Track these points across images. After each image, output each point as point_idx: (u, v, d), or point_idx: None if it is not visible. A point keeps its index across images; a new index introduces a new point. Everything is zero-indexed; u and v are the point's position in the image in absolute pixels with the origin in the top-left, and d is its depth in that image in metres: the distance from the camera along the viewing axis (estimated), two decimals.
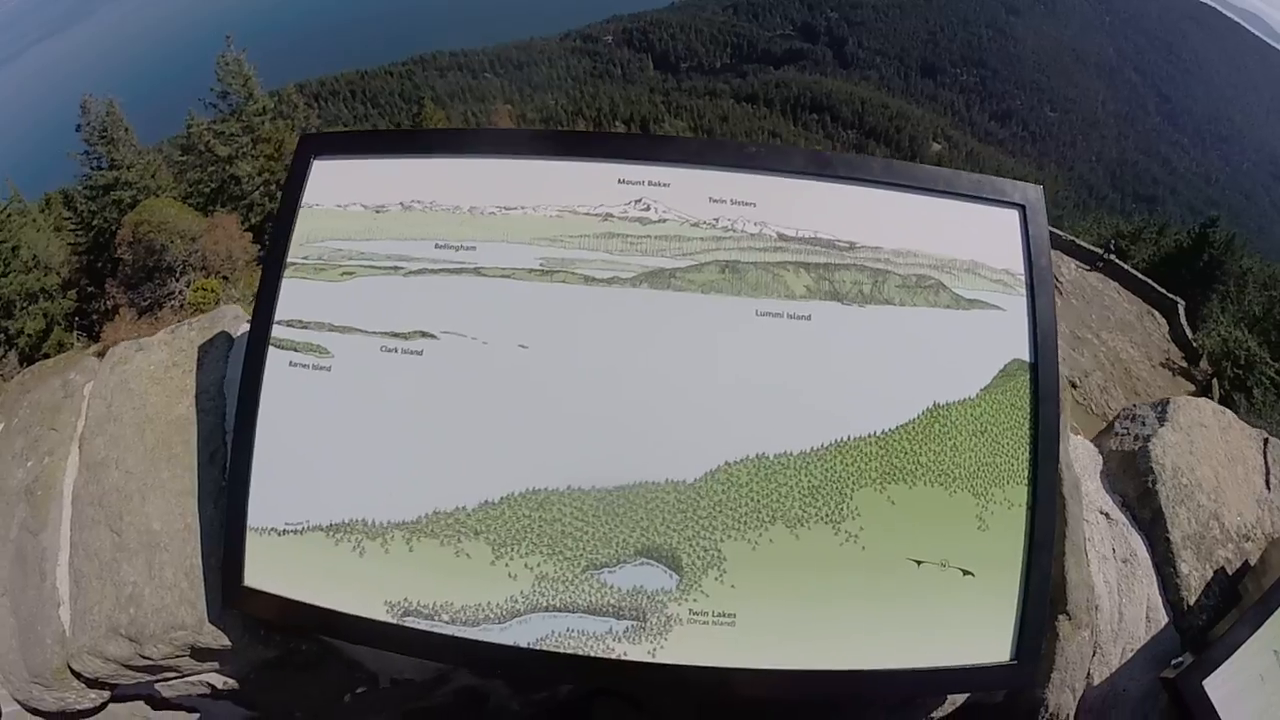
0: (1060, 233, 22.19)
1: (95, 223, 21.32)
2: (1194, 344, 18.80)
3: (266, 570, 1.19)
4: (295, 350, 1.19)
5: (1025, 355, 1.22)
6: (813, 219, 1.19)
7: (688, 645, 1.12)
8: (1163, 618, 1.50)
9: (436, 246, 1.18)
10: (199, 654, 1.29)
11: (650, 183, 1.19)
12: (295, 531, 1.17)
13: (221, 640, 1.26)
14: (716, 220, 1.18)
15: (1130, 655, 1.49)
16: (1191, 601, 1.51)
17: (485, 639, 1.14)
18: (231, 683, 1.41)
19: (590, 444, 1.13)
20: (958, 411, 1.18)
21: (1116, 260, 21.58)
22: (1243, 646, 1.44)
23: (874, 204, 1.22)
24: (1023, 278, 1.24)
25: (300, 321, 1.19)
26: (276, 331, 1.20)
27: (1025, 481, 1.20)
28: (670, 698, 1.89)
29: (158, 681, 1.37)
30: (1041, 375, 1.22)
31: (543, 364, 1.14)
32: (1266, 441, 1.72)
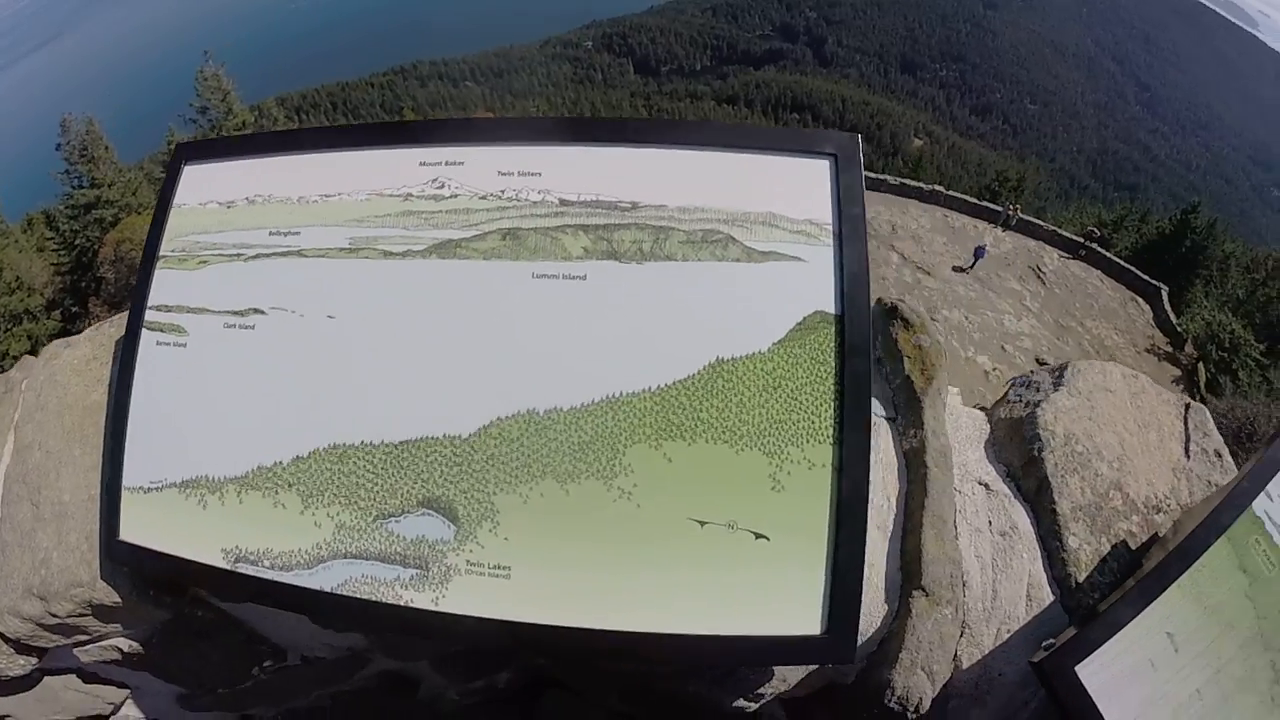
0: (1042, 223, 22.17)
1: (78, 242, 20.63)
2: (1178, 329, 18.69)
3: (136, 525, 1.32)
4: (161, 331, 1.31)
5: (830, 307, 1.15)
6: (596, 183, 1.19)
7: (466, 595, 1.13)
8: (1047, 596, 1.37)
9: (270, 234, 1.27)
10: (99, 612, 1.43)
11: (448, 162, 1.23)
12: (157, 489, 1.29)
13: (113, 596, 1.40)
14: (503, 192, 1.20)
15: (1007, 636, 1.34)
16: (1081, 578, 1.36)
17: (297, 583, 1.20)
18: (137, 646, 1.55)
19: (380, 401, 1.18)
20: (745, 366, 1.14)
21: (1099, 248, 21.19)
22: (1127, 628, 1.27)
23: (667, 165, 1.21)
24: (830, 228, 1.17)
25: (165, 306, 1.32)
26: (148, 315, 1.34)
27: (830, 441, 1.13)
28: (595, 680, 1.89)
29: (74, 646, 1.52)
30: (849, 328, 1.15)
31: (345, 331, 1.21)
32: (1188, 407, 1.52)
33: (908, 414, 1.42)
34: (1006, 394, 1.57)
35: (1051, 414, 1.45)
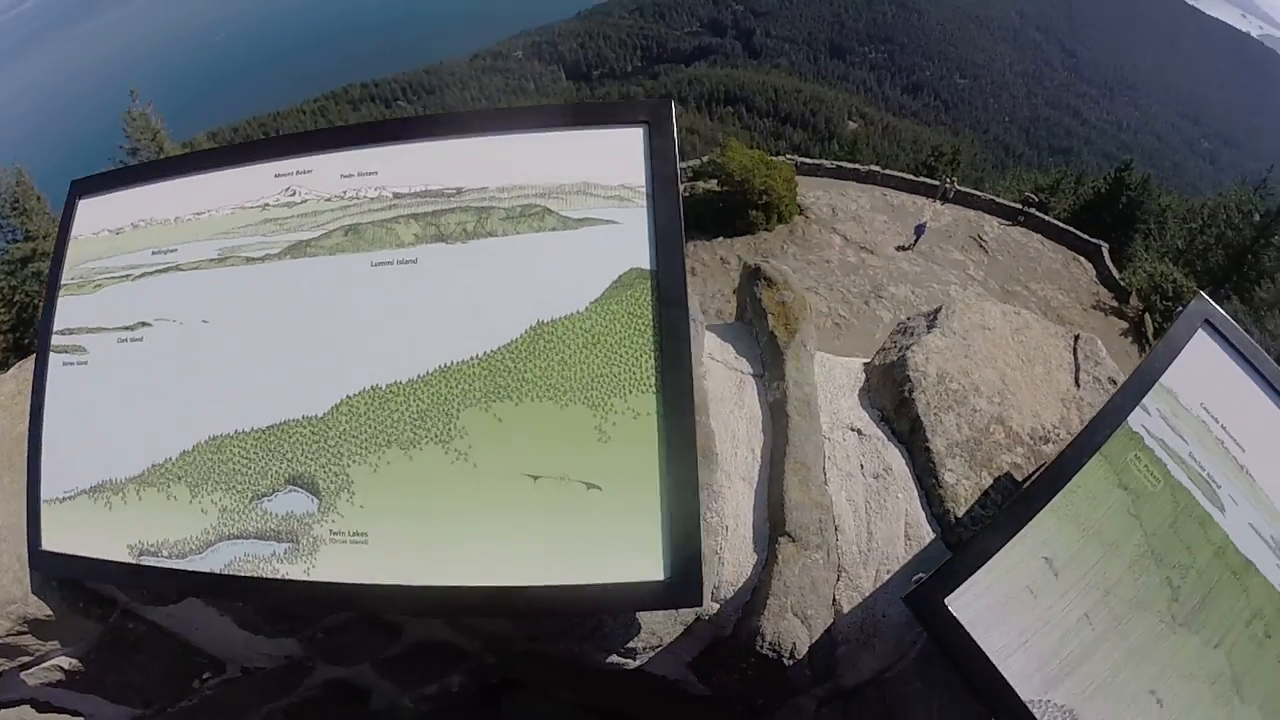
0: (980, 193, 23.13)
1: (17, 298, 19.64)
2: (1121, 283, 19.69)
3: (55, 534, 1.47)
4: (65, 353, 1.48)
5: (645, 264, 1.22)
6: (426, 175, 1.30)
7: (332, 563, 1.23)
8: (927, 534, 1.38)
9: (152, 253, 1.43)
10: (35, 628, 1.57)
11: (298, 172, 1.36)
12: (70, 498, 1.44)
13: (44, 609, 1.54)
14: (345, 192, 1.33)
15: (887, 577, 1.36)
16: (960, 513, 1.37)
17: (191, 568, 1.32)
18: (77, 664, 1.68)
19: (248, 392, 1.30)
20: (565, 326, 1.21)
21: (1037, 213, 22.24)
22: (999, 556, 1.26)
23: (490, 151, 1.31)
24: (644, 190, 1.25)
25: (68, 329, 1.49)
26: (54, 340, 1.50)
27: (652, 390, 1.19)
28: (540, 673, 1.95)
29: (20, 669, 1.66)
30: (663, 281, 1.21)
31: (217, 333, 1.34)
32: (1078, 338, 1.52)
33: (772, 368, 1.46)
34: (885, 343, 1.59)
35: (923, 355, 1.47)
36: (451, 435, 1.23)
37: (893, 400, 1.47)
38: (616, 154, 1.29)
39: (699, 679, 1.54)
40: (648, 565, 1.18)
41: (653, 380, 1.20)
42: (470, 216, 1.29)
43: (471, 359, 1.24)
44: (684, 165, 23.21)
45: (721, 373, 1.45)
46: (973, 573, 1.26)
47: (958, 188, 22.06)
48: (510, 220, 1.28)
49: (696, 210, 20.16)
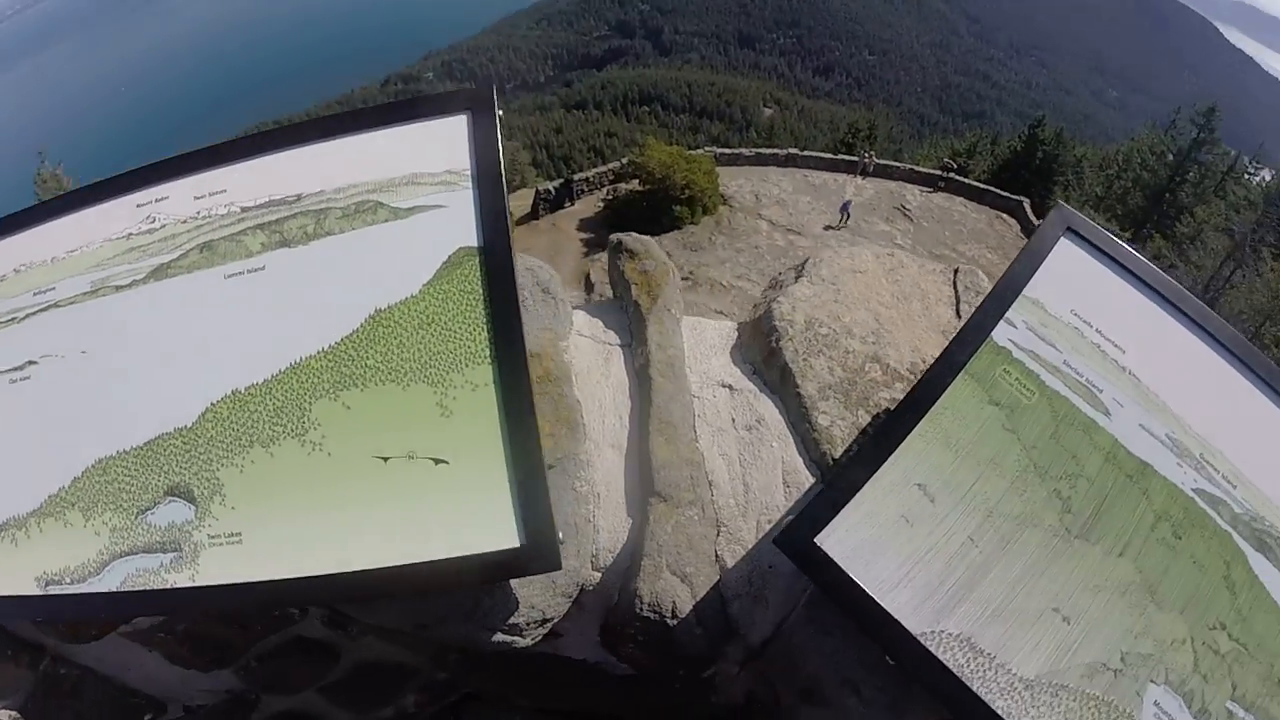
0: (899, 164, 23.95)
1: None
2: None
3: None
4: None
5: (472, 242, 1.27)
6: (269, 186, 1.38)
7: (213, 567, 1.28)
8: (806, 479, 1.37)
9: (33, 294, 1.53)
10: None
11: (156, 200, 1.45)
12: None
13: None
14: (198, 213, 1.41)
15: (769, 527, 1.35)
16: (837, 454, 1.36)
17: (91, 590, 1.37)
18: (16, 716, 1.73)
19: (126, 413, 1.38)
20: (400, 311, 1.26)
21: (957, 178, 22.80)
22: (867, 488, 1.25)
23: (326, 156, 1.38)
24: (469, 173, 1.30)
25: None
26: None
27: (488, 361, 1.23)
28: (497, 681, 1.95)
29: None
30: (490, 257, 1.26)
31: (95, 362, 1.43)
32: (957, 272, 1.52)
33: (637, 335, 1.48)
34: (757, 300, 1.60)
35: (789, 304, 1.48)
36: (306, 428, 1.27)
37: (762, 352, 1.47)
38: (442, 142, 1.35)
39: (616, 657, 1.53)
40: (502, 533, 1.20)
41: (487, 351, 1.24)
42: (310, 219, 1.35)
43: (318, 352, 1.29)
44: (604, 169, 24.15)
45: (589, 346, 1.48)
46: (841, 508, 1.24)
47: (876, 161, 22.76)
48: (346, 218, 1.34)
49: (621, 212, 20.64)
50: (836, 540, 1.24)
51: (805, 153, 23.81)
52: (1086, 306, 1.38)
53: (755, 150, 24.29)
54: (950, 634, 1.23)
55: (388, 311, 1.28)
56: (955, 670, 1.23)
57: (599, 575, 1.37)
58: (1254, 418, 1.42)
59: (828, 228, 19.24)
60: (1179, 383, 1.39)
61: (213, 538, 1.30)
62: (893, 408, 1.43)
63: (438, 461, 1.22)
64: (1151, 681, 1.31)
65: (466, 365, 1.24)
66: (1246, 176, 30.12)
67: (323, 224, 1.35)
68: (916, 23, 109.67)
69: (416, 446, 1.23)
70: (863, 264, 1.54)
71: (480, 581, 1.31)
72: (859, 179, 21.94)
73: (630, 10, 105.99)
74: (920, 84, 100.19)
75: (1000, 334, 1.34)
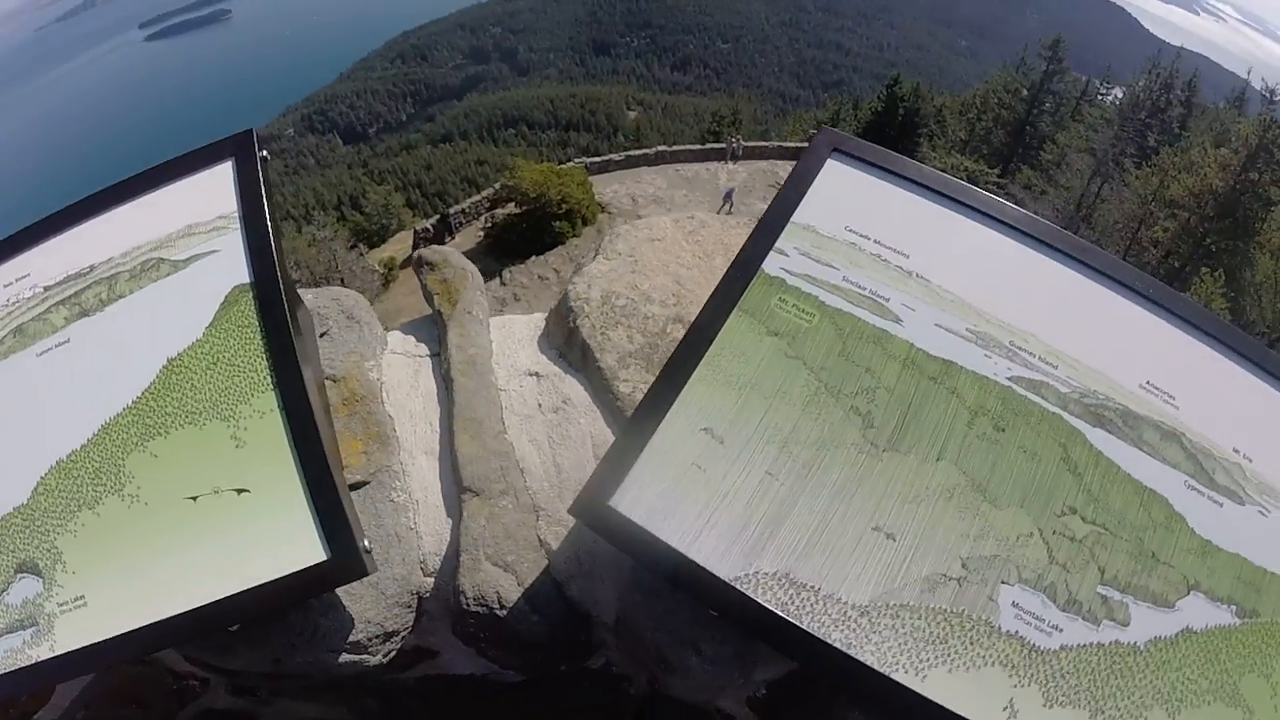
0: (767, 144, 25.36)
1: None
2: None
3: None
4: None
5: (245, 279, 1.35)
6: (67, 262, 1.49)
7: (67, 634, 1.34)
8: None
9: None
10: None
11: None
12: None
13: None
14: (7, 301, 1.52)
15: None
16: None
17: None
18: None
19: None
20: (189, 355, 1.35)
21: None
22: (652, 443, 1.26)
23: (112, 225, 1.49)
24: (236, 214, 1.39)
25: None
26: None
27: (270, 387, 1.29)
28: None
29: None
30: (260, 289, 1.34)
31: None
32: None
33: (442, 341, 1.53)
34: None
35: (584, 284, 1.51)
36: (123, 483, 1.34)
37: (564, 335, 1.50)
38: (212, 191, 1.45)
39: (489, 660, 1.55)
40: (309, 549, 1.24)
41: (269, 378, 1.30)
42: (103, 287, 1.45)
43: (124, 409, 1.37)
44: (479, 197, 24.65)
45: (401, 362, 1.53)
46: (628, 468, 1.25)
47: (745, 144, 23.81)
48: (134, 279, 1.43)
49: (502, 237, 21.11)
50: (632, 500, 1.24)
51: (675, 148, 24.84)
52: (861, 221, 1.38)
53: (625, 154, 25.47)
54: (765, 573, 1.22)
55: (178, 359, 1.36)
56: (780, 610, 1.21)
57: (431, 580, 1.39)
58: (1064, 293, 1.38)
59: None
60: (973, 275, 1.37)
61: (61, 605, 1.38)
62: None
63: (240, 491, 1.28)
64: (1003, 583, 1.26)
65: (252, 395, 1.31)
66: (1100, 97, 33.39)
67: (114, 289, 1.44)
68: (765, 5, 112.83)
69: (219, 481, 1.29)
70: (660, 231, 1.57)
71: (301, 598, 1.35)
72: (730, 164, 22.65)
73: (482, 36, 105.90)
74: (776, 64, 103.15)
75: (771, 264, 1.34)
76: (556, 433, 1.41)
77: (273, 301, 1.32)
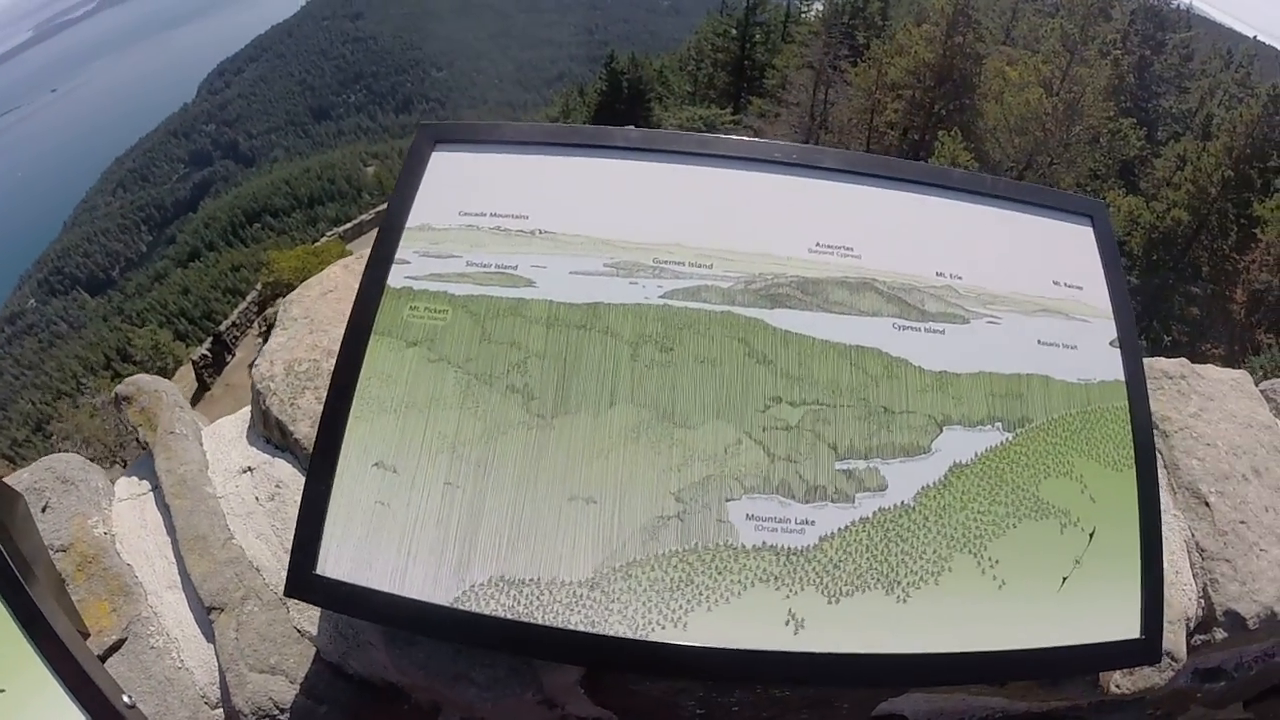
0: None
1: None
2: None
3: None
4: None
5: None
6: None
7: None
8: None
9: None
10: None
11: None
12: None
13: None
14: None
15: None
16: None
17: None
18: None
19: None
20: None
21: None
22: (334, 496, 1.26)
23: None
24: None
25: None
26: None
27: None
28: None
29: None
30: None
31: None
32: None
33: (152, 470, 1.54)
34: None
35: (266, 363, 1.51)
36: None
37: (262, 420, 1.51)
38: None
39: None
40: None
41: None
42: None
43: None
44: (245, 304, 24.64)
45: (128, 508, 1.54)
46: (320, 531, 1.23)
47: None
48: None
49: None
50: (334, 560, 1.22)
51: None
52: (475, 201, 1.36)
53: (374, 211, 26.02)
54: (480, 584, 1.18)
55: None
56: (510, 615, 1.18)
57: (220, 711, 1.39)
58: (703, 194, 1.35)
59: None
60: (599, 211, 1.33)
61: None
62: None
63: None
64: (728, 501, 1.21)
65: None
66: (803, 15, 37.34)
67: None
68: (470, 23, 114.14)
69: None
70: (332, 282, 1.57)
71: None
72: None
73: (197, 139, 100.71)
74: (496, 76, 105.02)
75: (396, 277, 1.32)
76: (278, 519, 1.41)
77: None
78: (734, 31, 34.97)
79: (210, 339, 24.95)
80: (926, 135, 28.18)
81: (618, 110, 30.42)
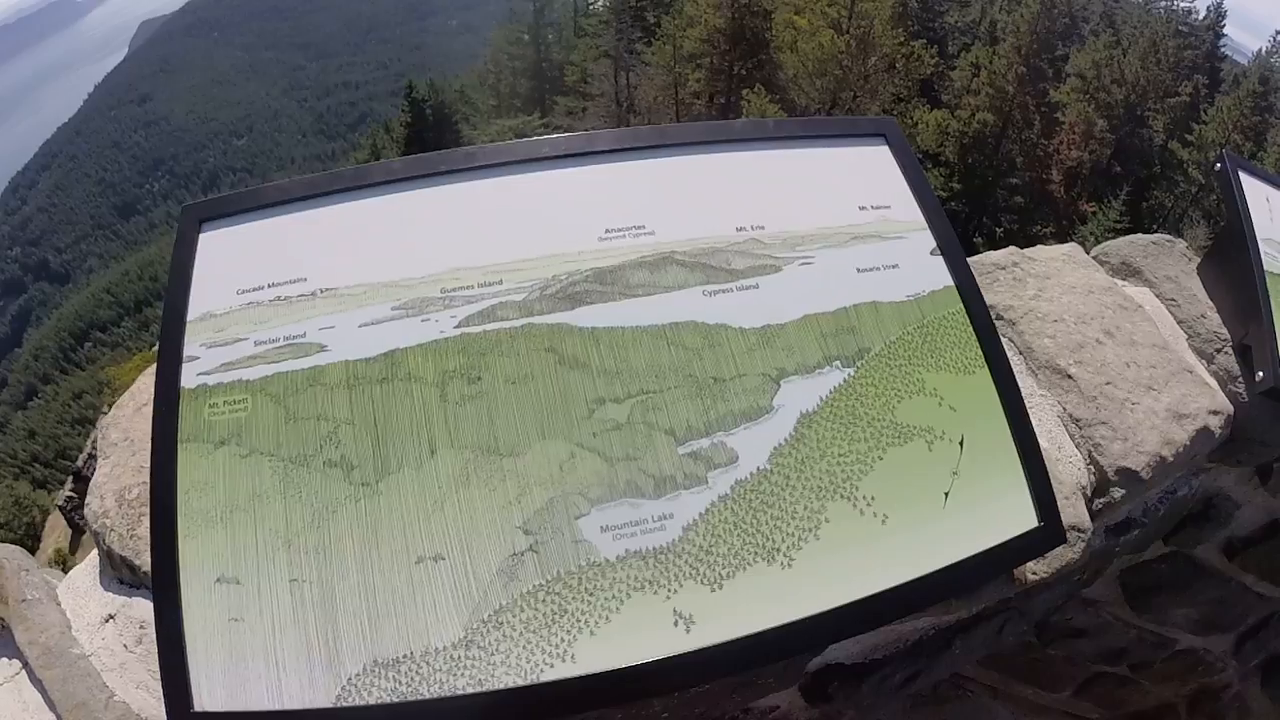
0: None
1: None
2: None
3: None
4: None
5: None
6: None
7: None
8: None
9: None
10: None
11: None
12: None
13: None
14: None
15: None
16: None
17: None
18: None
19: None
20: None
21: None
22: (185, 626, 1.21)
23: None
24: None
25: None
26: None
27: None
28: None
29: None
30: None
31: None
32: None
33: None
34: None
35: (96, 500, 1.44)
36: None
37: (109, 561, 1.45)
38: None
39: None
40: None
41: None
42: None
43: None
44: (96, 433, 23.52)
45: (3, 697, 1.48)
46: (184, 665, 1.19)
47: None
48: None
49: None
50: (208, 692, 1.16)
51: None
52: (250, 275, 1.27)
53: None
54: (356, 675, 1.15)
55: None
56: (395, 699, 1.14)
57: None
58: (473, 208, 1.30)
59: None
60: (373, 253, 1.28)
61: None
62: None
63: None
64: (577, 519, 1.19)
65: None
66: (591, 7, 38.35)
67: None
68: (261, 83, 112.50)
69: None
70: (144, 394, 1.50)
71: None
72: None
73: (5, 267, 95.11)
74: (298, 131, 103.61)
75: (189, 377, 1.27)
76: (152, 663, 1.35)
77: None
78: (526, 37, 36.66)
79: (70, 478, 23.55)
80: (732, 97, 29.27)
81: (426, 139, 30.44)
